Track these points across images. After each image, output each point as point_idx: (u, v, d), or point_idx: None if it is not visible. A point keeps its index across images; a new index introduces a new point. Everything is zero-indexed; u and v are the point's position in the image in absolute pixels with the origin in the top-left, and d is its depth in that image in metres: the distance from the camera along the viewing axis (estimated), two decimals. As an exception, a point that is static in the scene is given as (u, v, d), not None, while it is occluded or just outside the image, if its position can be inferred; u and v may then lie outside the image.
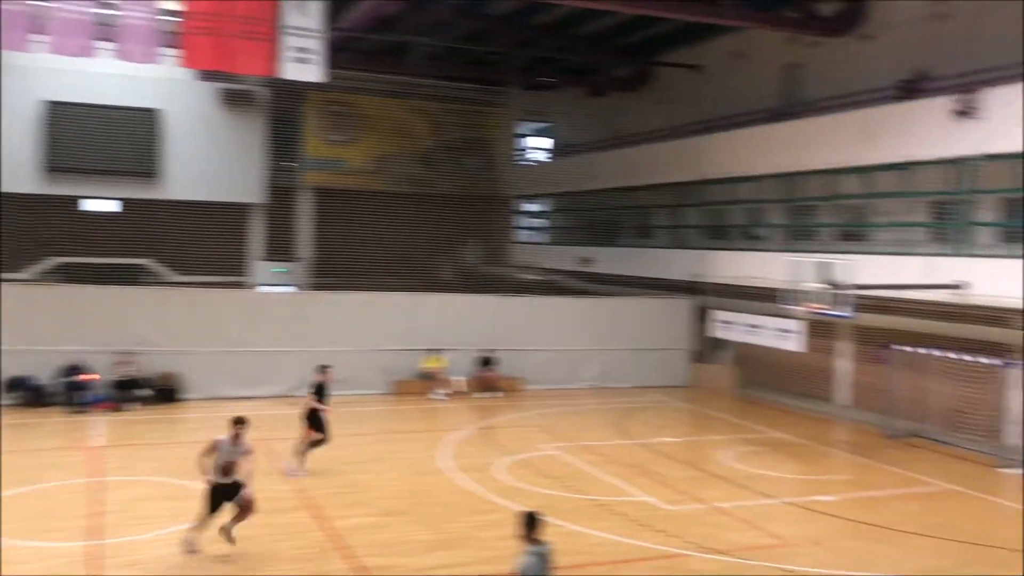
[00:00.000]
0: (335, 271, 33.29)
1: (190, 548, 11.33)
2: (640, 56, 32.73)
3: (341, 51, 31.15)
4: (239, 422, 11.66)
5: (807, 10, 24.07)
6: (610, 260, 30.56)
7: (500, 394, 24.01)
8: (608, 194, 32.32)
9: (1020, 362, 18.27)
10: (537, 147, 42.26)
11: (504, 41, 31.46)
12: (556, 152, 39.65)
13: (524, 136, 41.79)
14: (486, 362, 24.46)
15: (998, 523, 14.28)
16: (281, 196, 34.05)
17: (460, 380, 23.99)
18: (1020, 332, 18.43)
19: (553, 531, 12.30)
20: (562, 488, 15.14)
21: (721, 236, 27.07)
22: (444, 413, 22.17)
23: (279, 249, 34.16)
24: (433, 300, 25.14)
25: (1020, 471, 17.19)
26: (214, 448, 11.47)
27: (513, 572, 7.82)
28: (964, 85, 18.48)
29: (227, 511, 11.48)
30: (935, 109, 18.88)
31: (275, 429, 17.18)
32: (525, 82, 35.79)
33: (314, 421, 15.48)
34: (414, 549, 11.95)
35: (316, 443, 15.56)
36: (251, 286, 31.89)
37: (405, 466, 16.40)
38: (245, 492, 11.51)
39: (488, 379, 24.29)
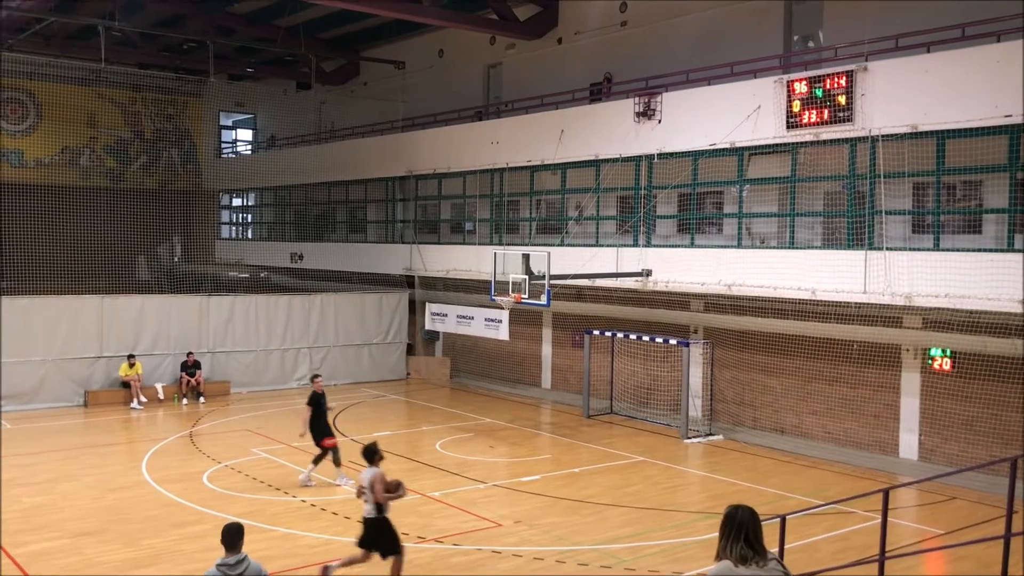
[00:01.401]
0: (15, 274, 30.13)
1: None
2: (346, 50, 32.61)
3: (17, 32, 28.38)
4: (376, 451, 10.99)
5: (504, 13, 25.13)
6: (322, 255, 30.19)
7: (203, 400, 22.92)
8: (318, 188, 31.92)
9: (699, 341, 20.26)
10: (242, 140, 40.86)
11: (202, 29, 30.10)
12: (263, 145, 38.52)
13: (228, 128, 40.23)
14: (189, 366, 23.24)
15: (682, 490, 15.79)
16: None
17: (159, 387, 22.69)
18: (700, 313, 20.44)
19: (265, 536, 12.05)
20: (274, 492, 14.77)
21: (432, 230, 27.61)
22: (145, 423, 20.88)
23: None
24: (130, 302, 23.46)
25: (701, 440, 19.08)
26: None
27: None
28: (644, 89, 20.12)
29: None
30: (620, 111, 20.38)
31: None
32: (227, 72, 34.45)
33: (316, 430, 15.27)
34: (109, 570, 11.15)
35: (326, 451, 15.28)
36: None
37: (100, 483, 15.27)
38: None
39: (192, 384, 23.11)
